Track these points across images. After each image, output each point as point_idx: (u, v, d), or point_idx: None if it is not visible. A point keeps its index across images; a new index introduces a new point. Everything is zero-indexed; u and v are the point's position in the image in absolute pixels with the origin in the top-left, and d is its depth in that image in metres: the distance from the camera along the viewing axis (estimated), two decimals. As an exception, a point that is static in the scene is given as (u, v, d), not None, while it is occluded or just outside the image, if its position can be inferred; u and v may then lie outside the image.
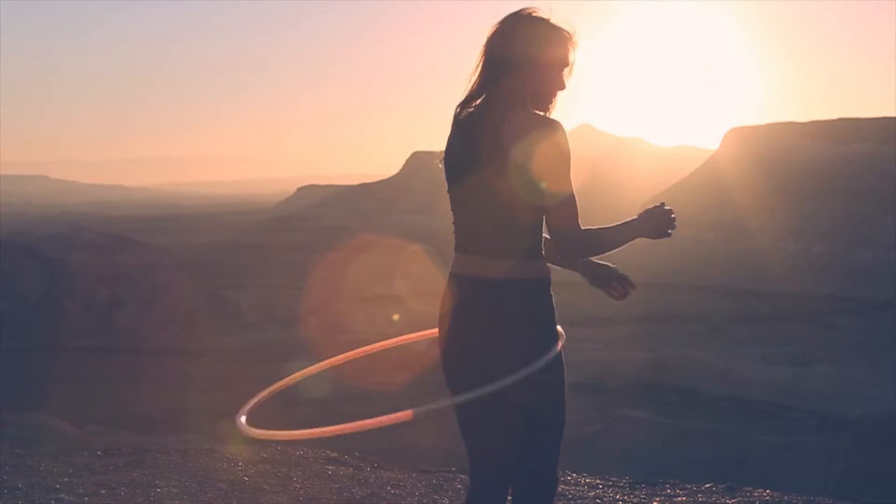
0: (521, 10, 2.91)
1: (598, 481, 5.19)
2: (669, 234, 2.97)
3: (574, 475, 5.28)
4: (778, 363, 70.44)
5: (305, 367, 3.51)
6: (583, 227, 2.81)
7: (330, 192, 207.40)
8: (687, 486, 5.20)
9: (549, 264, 2.88)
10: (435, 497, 4.84)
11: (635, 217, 2.89)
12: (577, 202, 2.81)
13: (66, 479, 4.94)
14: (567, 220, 2.79)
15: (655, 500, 4.87)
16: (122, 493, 4.75)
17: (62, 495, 4.64)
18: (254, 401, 3.20)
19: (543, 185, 2.73)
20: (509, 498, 2.94)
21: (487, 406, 2.78)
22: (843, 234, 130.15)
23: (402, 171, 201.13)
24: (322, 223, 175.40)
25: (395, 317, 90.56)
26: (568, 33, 2.91)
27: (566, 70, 2.91)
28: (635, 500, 4.87)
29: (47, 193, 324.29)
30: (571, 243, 2.81)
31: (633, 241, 2.89)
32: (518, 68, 2.84)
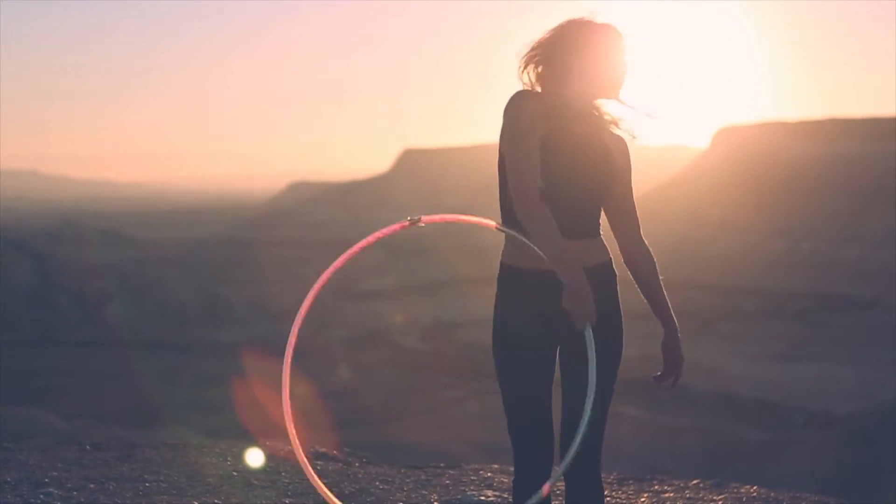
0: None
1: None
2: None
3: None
4: (765, 360, 70.63)
5: (287, 365, 3.54)
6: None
7: (321, 188, 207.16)
8: (675, 482, 5.22)
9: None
10: (423, 492, 4.86)
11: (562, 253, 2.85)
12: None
13: (54, 474, 4.95)
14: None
15: (643, 496, 4.89)
16: (111, 487, 4.76)
17: (51, 489, 4.65)
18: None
19: None
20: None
21: None
22: (831, 232, 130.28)
23: (392, 168, 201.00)
24: (313, 220, 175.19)
25: (399, 318, 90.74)
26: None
27: None
28: (623, 496, 4.89)
29: (38, 188, 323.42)
30: None
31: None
32: None
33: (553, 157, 2.97)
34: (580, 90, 3.01)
